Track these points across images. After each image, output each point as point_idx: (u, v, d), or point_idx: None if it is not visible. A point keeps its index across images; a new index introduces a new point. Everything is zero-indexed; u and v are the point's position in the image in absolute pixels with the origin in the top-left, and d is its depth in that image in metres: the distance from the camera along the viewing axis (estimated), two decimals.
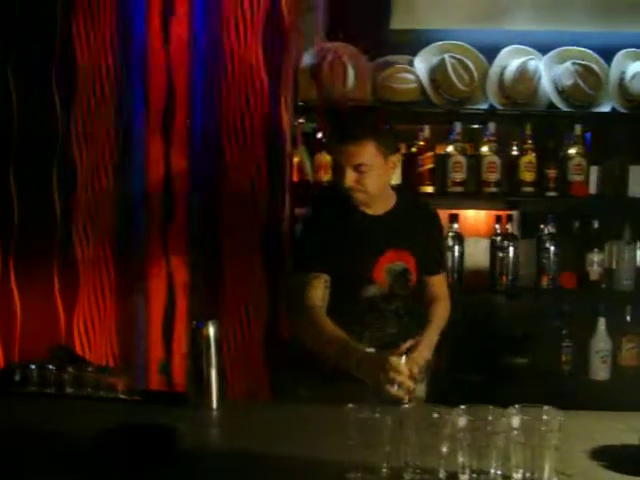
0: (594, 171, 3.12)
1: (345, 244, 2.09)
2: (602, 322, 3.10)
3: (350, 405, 1.35)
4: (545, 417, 1.31)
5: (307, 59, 3.09)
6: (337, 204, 2.13)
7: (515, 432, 1.30)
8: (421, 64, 3.06)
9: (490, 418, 1.31)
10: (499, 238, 3.13)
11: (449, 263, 3.09)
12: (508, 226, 3.14)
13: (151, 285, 2.89)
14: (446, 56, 2.99)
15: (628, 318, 3.12)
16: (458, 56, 3.01)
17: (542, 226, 3.16)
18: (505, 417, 1.31)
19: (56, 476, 1.37)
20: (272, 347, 2.81)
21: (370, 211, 2.16)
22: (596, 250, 3.09)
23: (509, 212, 3.19)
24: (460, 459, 1.31)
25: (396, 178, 3.04)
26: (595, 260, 3.09)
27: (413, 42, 3.09)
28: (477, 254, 3.20)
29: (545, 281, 3.13)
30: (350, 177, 2.03)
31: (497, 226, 3.16)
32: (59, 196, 2.87)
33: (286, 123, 2.88)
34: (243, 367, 2.81)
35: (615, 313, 3.12)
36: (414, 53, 3.07)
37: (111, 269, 2.89)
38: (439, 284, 2.35)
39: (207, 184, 2.88)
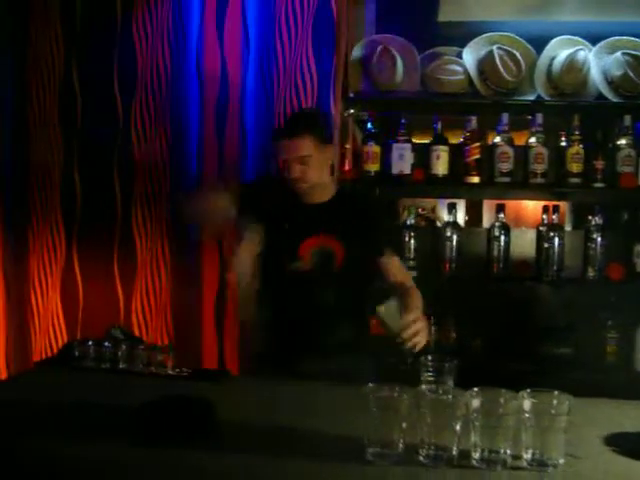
0: None
1: (280, 226, 2.28)
2: None
3: (370, 384, 1.44)
4: (555, 401, 1.37)
5: (357, 52, 3.17)
6: (283, 191, 2.32)
7: (526, 415, 1.37)
8: (469, 55, 3.10)
9: (502, 401, 1.38)
10: (545, 229, 3.15)
11: (494, 252, 3.15)
12: (554, 217, 3.15)
13: (205, 271, 3.03)
14: (494, 47, 3.02)
15: None
16: (506, 47, 3.03)
17: (590, 217, 3.16)
18: (516, 400, 1.38)
19: (105, 442, 1.49)
20: None
21: (308, 200, 2.31)
22: None
23: (556, 203, 3.20)
24: (472, 438, 1.39)
25: (443, 169, 3.12)
26: None
27: (461, 34, 3.13)
28: (523, 244, 3.24)
29: (591, 272, 3.13)
30: (295, 169, 2.23)
31: (544, 216, 3.18)
32: (120, 188, 3.04)
33: (336, 114, 2.96)
34: None
35: None
36: (462, 45, 3.11)
37: (167, 255, 3.04)
38: (392, 265, 2.36)
39: (259, 171, 2.99)
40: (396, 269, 2.38)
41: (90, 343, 2.07)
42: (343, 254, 2.27)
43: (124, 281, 3.07)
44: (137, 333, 2.96)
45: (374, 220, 2.40)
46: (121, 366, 2.04)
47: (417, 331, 2.02)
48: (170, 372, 2.02)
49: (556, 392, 1.39)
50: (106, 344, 2.06)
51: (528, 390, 1.40)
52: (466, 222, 4.37)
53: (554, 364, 3.14)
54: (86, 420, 1.64)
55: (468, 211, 4.47)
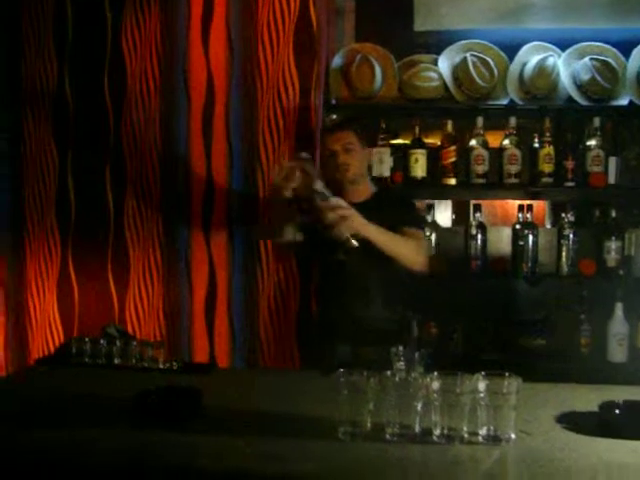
0: (612, 162, 3.23)
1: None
2: (619, 307, 3.22)
3: (340, 369, 1.58)
4: (506, 382, 1.52)
5: (337, 60, 3.31)
6: None
7: (480, 394, 1.52)
8: (444, 63, 3.25)
9: (459, 382, 1.53)
10: (520, 227, 3.29)
11: (472, 250, 3.30)
12: (529, 215, 3.29)
13: (195, 270, 3.18)
14: (468, 55, 3.17)
15: None
16: (479, 54, 3.18)
17: (562, 215, 3.31)
18: (472, 381, 1.53)
19: (102, 429, 1.63)
20: (303, 322, 3.05)
21: (348, 199, 2.42)
22: (614, 238, 3.22)
23: (530, 202, 3.35)
24: (433, 417, 1.53)
25: (421, 171, 3.26)
26: (613, 247, 3.22)
27: (436, 42, 3.27)
28: (500, 242, 3.39)
29: (564, 268, 3.28)
30: (342, 157, 2.50)
31: (519, 215, 3.32)
32: (112, 189, 3.18)
33: (317, 121, 3.10)
34: (277, 341, 3.07)
35: (632, 298, 3.23)
36: (437, 52, 3.26)
37: (158, 256, 3.18)
38: (410, 234, 2.48)
39: (244, 177, 3.13)
40: (413, 234, 2.49)
41: (87, 340, 2.21)
42: None
43: (117, 282, 3.21)
44: (131, 331, 3.09)
45: (408, 204, 2.64)
46: (116, 361, 2.18)
47: (340, 204, 2.24)
48: (161, 366, 2.16)
49: (507, 374, 1.54)
50: (102, 341, 2.21)
51: (482, 373, 1.54)
52: (453, 221, 4.49)
53: (531, 355, 3.29)
54: (85, 410, 1.78)
55: (455, 211, 4.58)
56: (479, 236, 3.31)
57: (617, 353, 3.23)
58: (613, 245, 3.23)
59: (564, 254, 3.29)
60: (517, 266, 3.30)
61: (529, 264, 3.28)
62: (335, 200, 2.27)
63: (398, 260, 2.38)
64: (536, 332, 3.33)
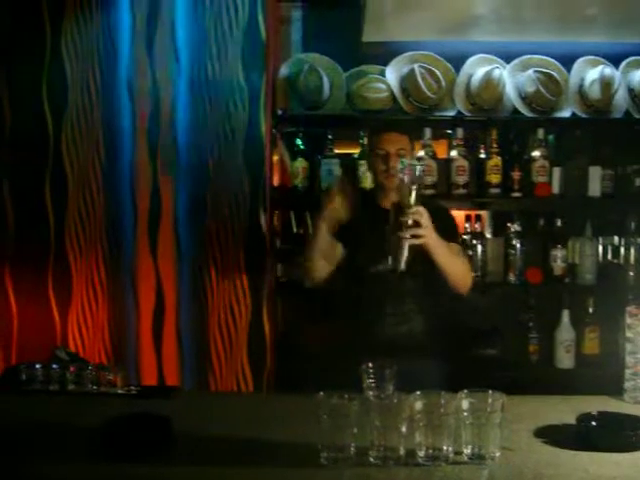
0: (556, 172, 3.30)
1: (364, 230, 2.42)
2: (566, 314, 3.29)
3: (321, 393, 1.53)
4: (490, 400, 1.50)
5: (284, 70, 3.27)
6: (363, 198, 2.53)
7: (464, 413, 1.50)
8: (392, 74, 3.24)
9: (442, 402, 1.50)
10: (469, 237, 3.32)
11: None
12: (477, 225, 3.32)
13: (141, 286, 3.07)
14: (415, 66, 3.17)
15: (590, 310, 3.31)
16: (427, 65, 3.19)
17: (509, 225, 3.35)
18: (455, 400, 1.51)
19: (63, 464, 1.53)
20: (256, 344, 2.99)
21: (386, 204, 2.38)
22: (559, 246, 3.28)
23: (478, 212, 3.38)
24: (417, 438, 1.50)
25: (370, 182, 3.23)
26: (559, 256, 3.28)
27: (384, 53, 3.26)
28: None
29: (512, 276, 3.32)
30: (394, 161, 2.40)
31: (467, 225, 3.35)
32: (52, 204, 3.04)
33: (266, 131, 3.05)
34: (229, 361, 2.99)
35: (578, 305, 3.32)
36: (385, 63, 3.25)
37: (102, 274, 3.06)
38: (454, 250, 2.47)
39: (192, 189, 3.05)
40: (457, 249, 2.50)
41: (37, 366, 2.09)
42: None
43: (59, 301, 3.07)
44: (74, 350, 2.96)
45: (447, 216, 2.58)
46: (70, 387, 2.07)
47: (416, 219, 2.15)
48: (120, 391, 2.06)
49: (490, 391, 1.52)
50: (54, 366, 2.09)
51: (465, 391, 1.52)
52: None
53: (481, 364, 3.31)
54: (42, 441, 1.67)
55: None
56: None
57: (565, 360, 3.30)
58: (559, 253, 3.28)
59: (511, 263, 3.34)
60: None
61: (478, 273, 3.31)
62: (416, 209, 2.16)
63: (449, 281, 2.38)
64: (486, 342, 3.36)
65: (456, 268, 2.40)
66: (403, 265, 2.16)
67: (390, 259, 2.20)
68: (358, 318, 2.49)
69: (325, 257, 2.43)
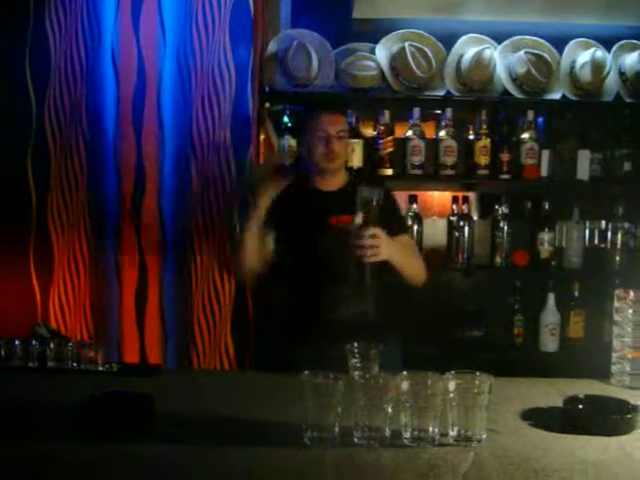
0: (545, 155, 3.28)
1: (299, 214, 2.43)
2: (551, 297, 3.29)
3: (306, 372, 1.51)
4: (477, 381, 1.48)
5: (273, 46, 3.21)
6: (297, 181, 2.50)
7: (451, 394, 1.47)
8: (382, 52, 3.20)
9: (429, 382, 1.48)
10: (455, 218, 3.30)
11: None
12: (464, 207, 3.30)
13: (124, 263, 3.02)
14: (406, 44, 3.13)
15: (576, 293, 3.31)
16: (417, 44, 3.14)
17: (496, 207, 3.34)
18: (442, 381, 1.48)
19: (41, 443, 1.50)
20: (239, 322, 2.95)
21: (325, 187, 2.47)
22: (547, 230, 3.28)
23: (465, 194, 3.36)
24: (403, 419, 1.48)
25: (357, 161, 3.21)
26: (546, 239, 3.28)
27: (374, 31, 3.22)
28: (435, 233, 3.38)
29: (499, 259, 3.31)
30: (335, 144, 2.42)
31: (454, 207, 3.33)
32: (34, 181, 2.97)
33: (252, 108, 3.00)
34: (211, 341, 2.96)
35: (564, 289, 3.32)
36: (375, 41, 3.21)
37: (85, 250, 3.00)
38: (404, 243, 2.50)
39: (177, 166, 3.00)
40: (407, 243, 2.53)
41: (17, 342, 2.05)
42: None
43: (40, 277, 3.01)
44: (55, 328, 2.91)
45: (391, 204, 2.56)
46: (50, 364, 2.03)
47: (373, 243, 2.19)
48: (100, 368, 2.02)
49: (478, 373, 1.50)
50: (33, 342, 2.04)
51: (452, 372, 1.50)
52: None
53: (466, 346, 3.31)
54: (22, 419, 1.63)
55: None
56: (415, 227, 3.29)
57: (549, 343, 3.30)
58: (546, 237, 3.28)
59: (498, 246, 3.32)
60: (452, 257, 3.31)
61: (464, 255, 3.29)
62: (373, 231, 2.20)
63: (405, 277, 2.40)
64: (471, 324, 3.35)
65: (411, 269, 2.44)
66: (369, 282, 2.28)
67: (355, 278, 2.29)
68: (308, 300, 2.46)
69: (256, 253, 2.43)
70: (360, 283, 2.29)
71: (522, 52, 3.15)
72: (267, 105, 3.27)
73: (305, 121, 2.55)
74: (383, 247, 2.22)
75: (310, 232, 2.40)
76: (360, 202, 2.22)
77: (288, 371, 1.55)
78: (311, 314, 2.42)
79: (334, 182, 2.52)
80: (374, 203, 2.22)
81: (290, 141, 3.23)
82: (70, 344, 2.05)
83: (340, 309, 2.41)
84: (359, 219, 2.22)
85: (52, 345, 2.04)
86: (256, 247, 2.42)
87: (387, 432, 1.48)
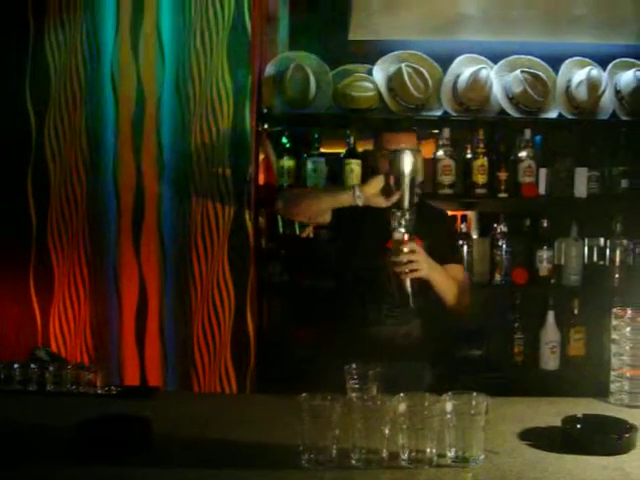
0: (543, 173, 3.29)
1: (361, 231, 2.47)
2: (551, 315, 3.30)
3: (303, 394, 1.51)
4: (474, 402, 1.48)
5: (271, 68, 3.24)
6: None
7: (448, 415, 1.48)
8: (379, 73, 3.22)
9: (426, 404, 1.48)
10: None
11: None
12: (463, 226, 3.31)
13: (124, 285, 3.02)
14: (402, 65, 3.15)
15: (575, 311, 3.32)
16: (414, 65, 3.17)
17: (495, 225, 3.35)
18: (439, 403, 1.49)
19: (38, 466, 1.50)
20: (239, 345, 2.95)
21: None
22: (545, 247, 3.28)
23: (464, 212, 3.37)
24: (400, 440, 1.48)
25: (356, 181, 3.22)
26: (544, 257, 3.28)
27: (371, 52, 3.25)
28: None
29: (498, 277, 3.32)
30: None
31: None
32: (34, 202, 2.99)
33: (251, 130, 3.02)
34: (212, 363, 2.96)
35: (563, 306, 3.32)
36: (372, 62, 3.23)
37: (85, 272, 3.01)
38: (454, 272, 2.47)
39: (176, 187, 3.01)
40: (457, 272, 2.49)
41: (16, 366, 2.05)
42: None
43: (41, 299, 3.02)
44: (56, 351, 2.91)
45: (449, 227, 2.61)
46: (49, 388, 2.03)
47: (411, 258, 2.18)
48: (99, 391, 2.03)
49: (474, 393, 1.50)
50: (32, 366, 2.05)
51: (449, 393, 1.50)
52: None
53: (467, 365, 3.30)
54: (20, 442, 1.63)
55: None
56: None
57: (550, 361, 3.30)
58: (545, 254, 3.28)
59: (497, 264, 3.33)
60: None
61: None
62: (411, 245, 2.19)
63: (445, 302, 2.38)
64: (471, 343, 3.35)
65: (452, 293, 2.39)
66: (411, 302, 2.22)
67: (396, 297, 2.25)
68: (344, 318, 2.48)
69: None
70: (401, 302, 2.25)
71: (518, 71, 3.17)
72: (265, 126, 3.29)
73: (375, 139, 2.60)
74: (422, 263, 2.21)
75: (364, 251, 2.42)
76: (399, 217, 2.20)
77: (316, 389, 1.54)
78: (348, 331, 2.45)
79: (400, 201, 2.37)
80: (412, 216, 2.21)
81: (288, 162, 3.25)
82: (69, 367, 2.05)
83: (381, 328, 2.43)
84: (399, 234, 2.19)
85: (51, 368, 2.04)
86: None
87: (385, 453, 1.48)
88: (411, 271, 2.19)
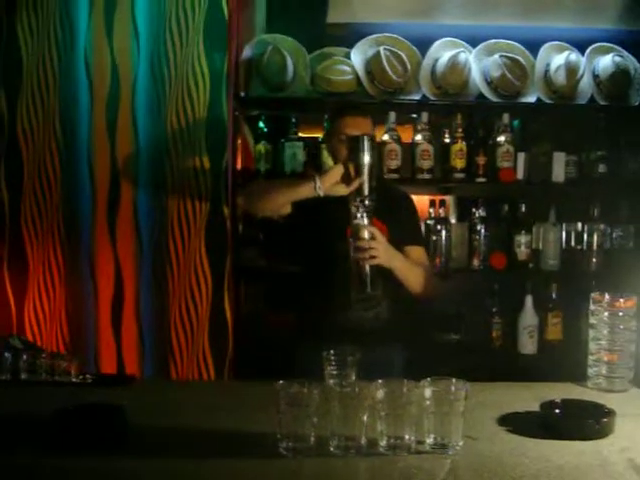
0: (521, 158, 3.29)
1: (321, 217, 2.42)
2: (529, 299, 3.31)
3: (280, 381, 1.49)
4: (453, 388, 1.48)
5: (247, 51, 3.20)
6: None
7: (427, 402, 1.47)
8: (357, 56, 3.20)
9: (405, 390, 1.47)
10: (433, 222, 3.30)
11: None
12: (441, 210, 3.31)
13: (99, 272, 2.98)
14: (381, 48, 3.13)
15: (553, 295, 3.33)
16: (392, 48, 3.15)
17: (473, 210, 3.34)
18: (418, 389, 1.48)
19: (11, 456, 1.47)
20: (217, 331, 2.93)
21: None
22: (524, 232, 3.29)
23: (442, 197, 3.36)
24: (379, 427, 1.47)
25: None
26: (523, 241, 3.29)
27: (349, 35, 3.22)
28: None
29: (476, 262, 3.32)
30: None
31: (431, 210, 3.33)
32: (7, 188, 2.93)
33: (228, 114, 2.98)
34: (189, 350, 2.93)
35: (541, 291, 3.33)
36: (350, 46, 3.20)
37: (60, 258, 2.96)
38: (416, 255, 2.49)
39: (152, 172, 2.97)
40: (419, 254, 2.51)
41: None
42: (388, 235, 2.34)
43: (15, 286, 2.97)
44: (31, 339, 2.87)
45: (410, 208, 2.57)
46: (23, 376, 1.99)
47: (371, 245, 2.19)
48: (74, 379, 1.99)
49: (453, 379, 1.49)
50: (6, 354, 2.01)
51: (428, 379, 1.49)
52: None
53: (445, 350, 3.31)
54: None
55: None
56: None
57: (528, 345, 3.31)
58: (523, 239, 3.29)
59: (475, 249, 3.33)
60: (430, 261, 3.29)
61: (442, 259, 3.30)
62: (371, 230, 2.21)
63: (407, 288, 2.40)
64: (449, 327, 3.36)
65: (414, 279, 2.41)
66: (369, 288, 2.24)
67: (356, 282, 2.26)
68: (321, 303, 2.47)
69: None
70: (363, 288, 2.26)
71: (497, 56, 3.16)
72: (242, 110, 3.25)
73: (330, 123, 2.58)
74: (381, 250, 2.21)
75: (328, 238, 2.41)
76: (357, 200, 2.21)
77: (293, 375, 1.52)
78: (317, 317, 2.46)
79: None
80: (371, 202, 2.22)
81: (266, 146, 3.22)
82: (43, 355, 2.02)
83: (348, 314, 2.42)
84: (358, 221, 2.21)
85: (25, 357, 2.00)
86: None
87: (363, 441, 1.46)
88: (370, 257, 2.21)
